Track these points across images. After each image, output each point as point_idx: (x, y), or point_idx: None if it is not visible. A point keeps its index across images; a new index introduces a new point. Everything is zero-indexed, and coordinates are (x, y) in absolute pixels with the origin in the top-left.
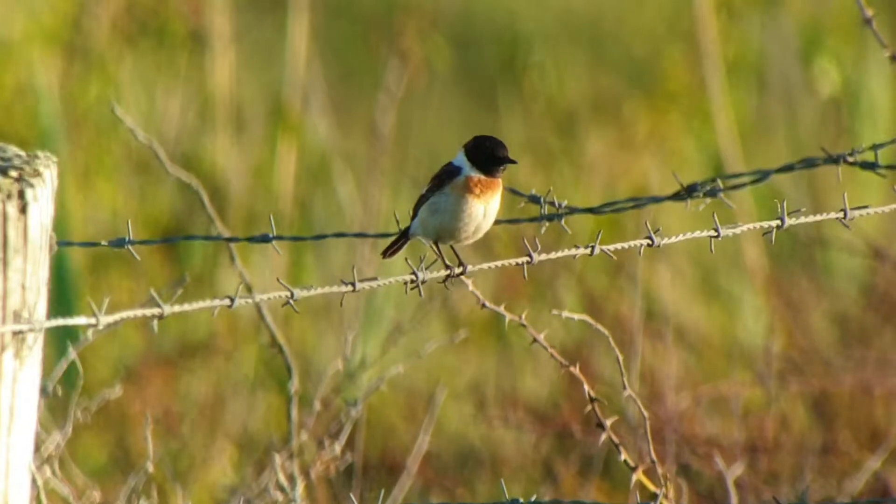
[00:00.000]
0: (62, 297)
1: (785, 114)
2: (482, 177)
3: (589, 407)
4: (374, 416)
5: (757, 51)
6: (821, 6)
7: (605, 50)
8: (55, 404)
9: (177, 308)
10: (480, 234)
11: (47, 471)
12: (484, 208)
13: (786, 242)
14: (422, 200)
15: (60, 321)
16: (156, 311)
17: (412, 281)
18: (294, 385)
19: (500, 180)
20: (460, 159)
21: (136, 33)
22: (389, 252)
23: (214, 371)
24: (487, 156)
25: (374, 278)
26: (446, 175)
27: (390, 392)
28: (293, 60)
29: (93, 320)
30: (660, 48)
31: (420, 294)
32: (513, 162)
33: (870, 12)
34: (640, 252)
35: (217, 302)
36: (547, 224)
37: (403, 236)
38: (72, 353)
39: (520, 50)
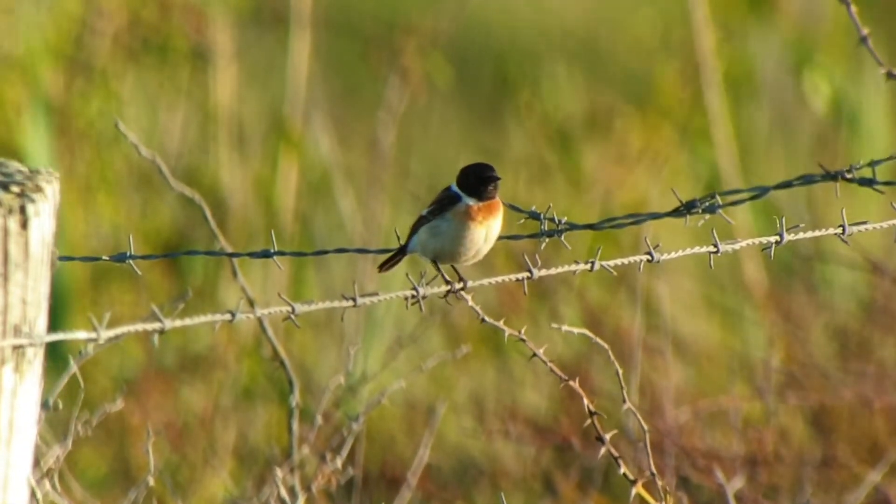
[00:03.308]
0: (60, 311)
1: (781, 129)
2: (480, 204)
3: (588, 421)
4: (373, 428)
5: (752, 66)
6: (815, 21)
7: (600, 66)
8: (55, 417)
9: (178, 323)
10: (480, 257)
11: (47, 484)
12: (485, 232)
13: (785, 257)
14: (421, 221)
15: (61, 335)
16: (157, 325)
17: (413, 296)
18: (295, 398)
19: (498, 201)
20: (456, 189)
21: (138, 49)
22: (386, 266)
23: (215, 384)
24: (475, 180)
25: (375, 293)
26: (447, 201)
27: (390, 405)
28: (294, 77)
29: (93, 335)
30: (655, 64)
31: (421, 309)
32: (498, 178)
33: (865, 30)
34: (640, 268)
35: (218, 316)
36: (547, 240)
37: (401, 252)
38: (73, 368)
39: (518, 67)
